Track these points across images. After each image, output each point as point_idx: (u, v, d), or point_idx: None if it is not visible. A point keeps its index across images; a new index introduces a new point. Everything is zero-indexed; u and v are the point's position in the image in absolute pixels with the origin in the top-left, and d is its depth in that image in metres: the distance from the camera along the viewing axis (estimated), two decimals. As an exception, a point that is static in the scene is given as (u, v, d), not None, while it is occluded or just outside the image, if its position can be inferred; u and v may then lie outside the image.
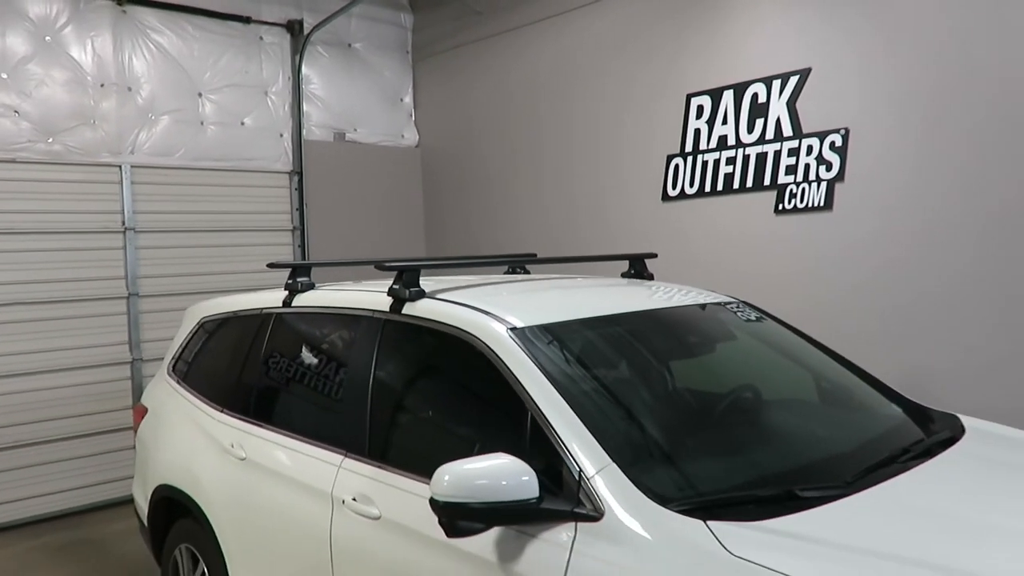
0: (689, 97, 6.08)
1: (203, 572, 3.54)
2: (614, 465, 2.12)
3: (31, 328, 6.03)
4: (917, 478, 2.28)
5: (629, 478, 2.09)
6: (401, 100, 8.31)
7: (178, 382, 3.94)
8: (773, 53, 5.59)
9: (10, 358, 5.94)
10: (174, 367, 4.06)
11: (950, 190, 4.82)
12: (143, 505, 3.99)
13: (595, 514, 2.06)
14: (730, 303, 3.38)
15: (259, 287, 4.38)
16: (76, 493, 6.22)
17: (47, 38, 6.11)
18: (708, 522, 1.94)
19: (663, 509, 2.01)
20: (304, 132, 7.50)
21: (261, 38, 7.27)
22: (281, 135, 7.39)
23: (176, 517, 3.77)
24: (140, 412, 4.19)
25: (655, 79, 6.28)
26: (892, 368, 4.38)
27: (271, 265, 3.62)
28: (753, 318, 3.34)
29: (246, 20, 7.12)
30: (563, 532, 2.10)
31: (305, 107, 7.53)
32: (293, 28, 7.39)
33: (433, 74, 8.22)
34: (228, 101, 7.05)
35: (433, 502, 2.11)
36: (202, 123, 6.91)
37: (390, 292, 2.90)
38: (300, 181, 7.45)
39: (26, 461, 5.99)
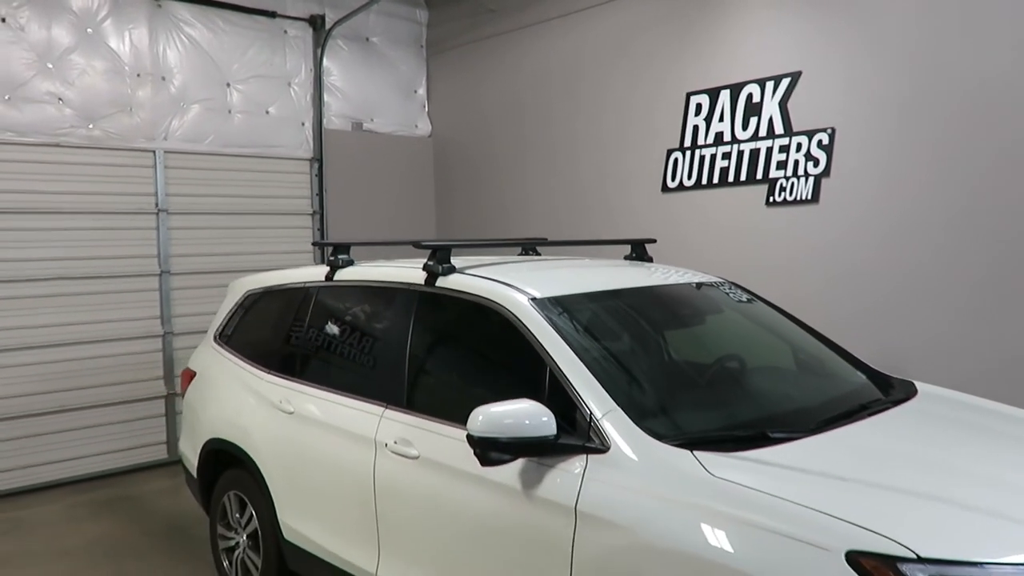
0: (689, 95, 6.52)
1: (251, 514, 4.00)
2: (619, 409, 2.58)
3: (72, 302, 6.47)
4: (869, 426, 2.74)
5: (631, 419, 2.55)
6: (415, 92, 8.74)
7: (225, 348, 4.39)
8: (767, 57, 6.03)
9: (52, 329, 6.38)
10: (220, 335, 4.51)
11: (923, 186, 5.27)
12: (192, 459, 4.44)
13: (603, 448, 2.53)
14: (720, 283, 3.84)
15: (284, 266, 4.80)
16: (113, 456, 6.68)
17: (88, 30, 6.53)
18: (694, 451, 2.40)
19: (658, 442, 2.47)
20: (324, 121, 7.93)
21: (285, 32, 7.68)
22: (303, 124, 7.82)
23: (224, 468, 4.23)
24: (188, 376, 4.64)
25: (657, 78, 6.72)
26: (870, 348, 4.84)
27: (315, 243, 4.07)
28: (741, 297, 3.80)
29: (272, 15, 7.53)
30: (576, 463, 2.56)
31: (325, 98, 7.95)
32: (315, 23, 7.81)
33: (446, 68, 8.64)
34: (254, 91, 7.47)
35: (469, 437, 2.57)
36: (230, 111, 7.33)
37: (425, 267, 3.35)
38: (320, 168, 7.89)
39: (68, 425, 6.44)
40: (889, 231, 5.43)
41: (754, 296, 3.88)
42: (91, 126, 6.54)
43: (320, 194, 7.89)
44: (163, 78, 6.93)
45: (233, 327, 4.46)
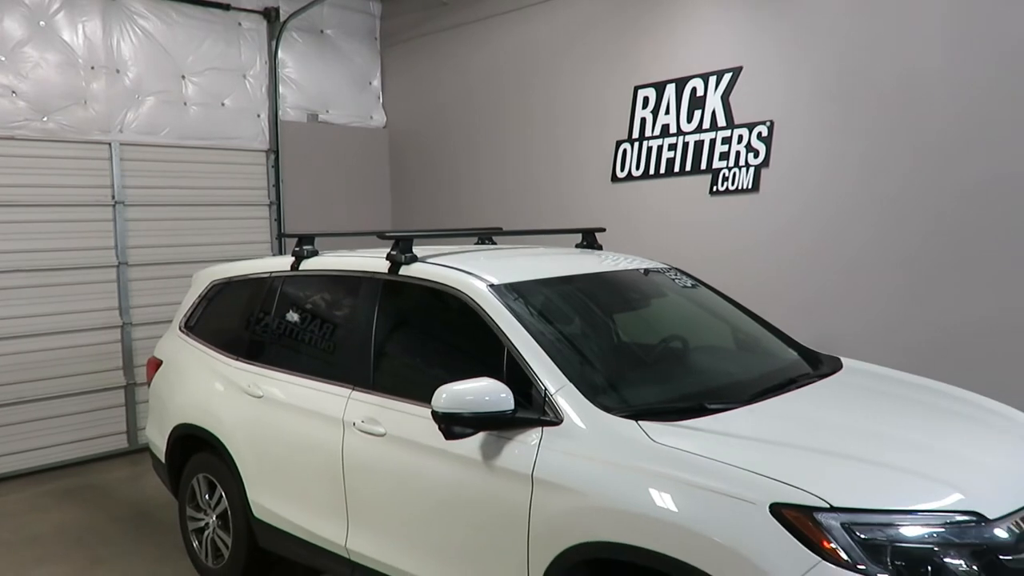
0: (636, 89, 6.78)
1: (220, 496, 4.17)
2: (571, 384, 2.82)
3: (29, 294, 6.49)
4: (796, 396, 3.03)
5: (582, 393, 2.79)
6: (370, 84, 8.86)
7: (192, 337, 4.53)
8: (710, 52, 6.32)
9: (10, 321, 6.41)
10: (186, 324, 4.64)
11: (857, 176, 5.61)
12: (160, 444, 4.57)
13: (556, 420, 2.76)
14: (666, 269, 4.10)
15: (242, 257, 4.92)
16: (74, 446, 6.73)
17: (41, 23, 6.53)
18: (639, 422, 2.65)
19: (606, 414, 2.72)
20: (280, 113, 8.02)
21: (240, 24, 7.74)
22: (259, 116, 7.90)
23: (192, 452, 4.38)
24: (154, 364, 4.76)
25: (606, 71, 6.97)
26: (810, 329, 5.17)
27: (282, 235, 4.23)
28: (685, 282, 4.07)
29: (226, 7, 7.59)
30: (532, 435, 2.79)
31: (281, 90, 8.04)
32: (270, 15, 7.88)
33: (400, 60, 8.78)
34: (209, 83, 7.53)
35: (434, 413, 2.78)
36: (185, 104, 7.39)
37: (388, 257, 3.55)
38: (276, 159, 7.98)
39: (27, 416, 6.48)
40: (826, 218, 5.77)
41: (697, 281, 4.15)
42: (45, 119, 6.56)
43: (277, 185, 7.98)
44: (117, 71, 6.96)
45: (199, 316, 4.59)
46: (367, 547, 3.34)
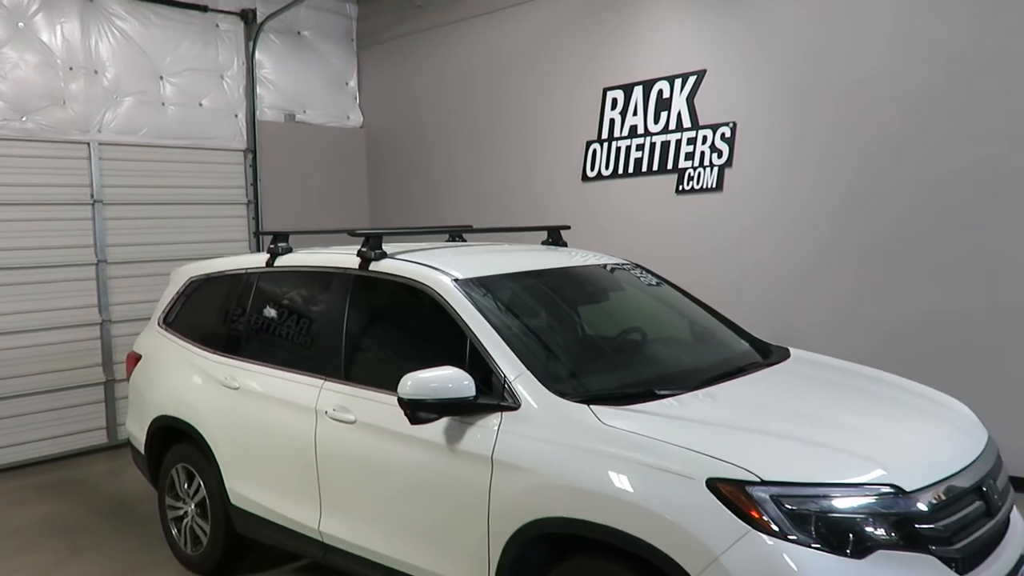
0: (605, 91, 6.99)
1: (199, 485, 4.31)
2: (528, 372, 3.00)
3: (9, 291, 6.58)
4: (742, 383, 3.23)
5: (539, 381, 2.97)
6: (346, 84, 9.01)
7: (170, 332, 4.67)
8: (676, 56, 6.53)
9: (-8, 318, 6.51)
10: (164, 320, 4.78)
11: (815, 176, 5.85)
12: (140, 436, 4.71)
13: (515, 406, 2.95)
14: (630, 266, 4.30)
15: (220, 254, 5.03)
16: (54, 441, 6.83)
17: (20, 24, 6.63)
18: (591, 406, 2.84)
19: (561, 399, 2.90)
20: (257, 113, 8.15)
21: (217, 25, 7.87)
22: (236, 116, 8.03)
23: (171, 444, 4.52)
24: (133, 359, 4.89)
25: (576, 73, 7.16)
26: (769, 324, 5.39)
27: (258, 232, 4.38)
28: (647, 279, 4.26)
29: (203, 8, 7.71)
30: (492, 420, 2.97)
31: (258, 90, 8.17)
32: (247, 16, 8.00)
33: (376, 61, 8.93)
34: (187, 84, 7.65)
35: (400, 400, 2.96)
36: (163, 104, 7.50)
37: (359, 253, 3.71)
38: (254, 158, 8.11)
39: (7, 412, 6.58)
40: (786, 216, 6.00)
41: (659, 277, 4.35)
42: (24, 119, 6.65)
43: (255, 184, 8.11)
44: (96, 71, 7.06)
45: (177, 312, 4.73)
46: (339, 529, 3.51)
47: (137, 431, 4.76)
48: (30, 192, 6.68)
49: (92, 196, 7.04)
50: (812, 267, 5.88)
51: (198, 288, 4.70)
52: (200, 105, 7.75)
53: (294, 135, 8.47)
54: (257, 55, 8.12)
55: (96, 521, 5.30)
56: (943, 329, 5.33)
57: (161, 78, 7.48)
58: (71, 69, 6.91)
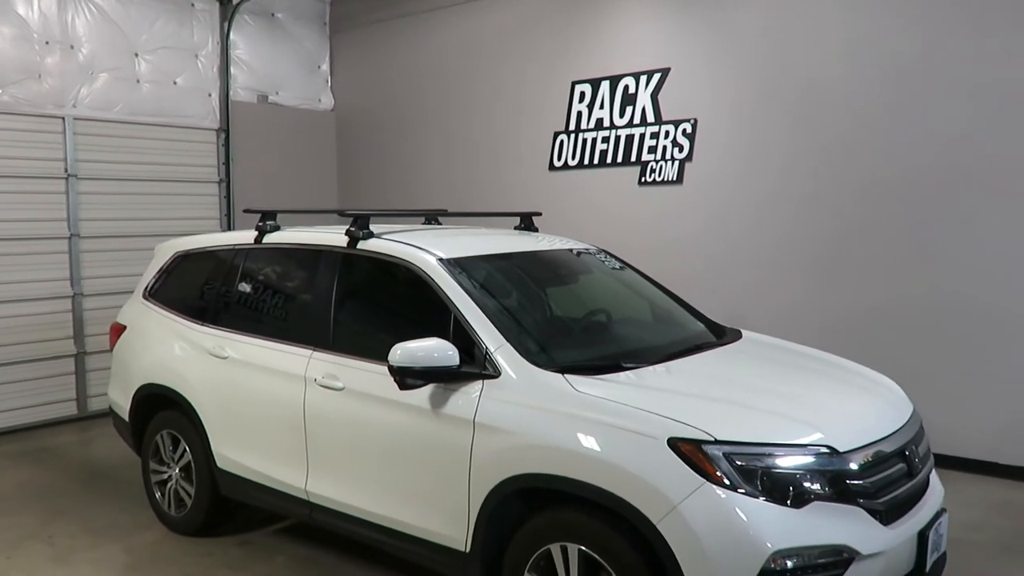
0: (574, 84, 7.29)
1: (184, 450, 4.53)
2: (508, 344, 3.30)
3: (-20, 263, 6.66)
4: (698, 359, 3.58)
5: (517, 352, 3.27)
6: (319, 68, 9.16)
7: (156, 304, 4.85)
8: (642, 53, 6.86)
9: (-38, 289, 6.57)
10: (150, 292, 4.95)
11: (770, 172, 6.24)
12: (124, 404, 4.88)
13: (495, 374, 3.24)
14: (596, 251, 4.61)
15: (192, 232, 5.19)
16: (23, 412, 6.92)
17: (-4, -4, 6.67)
18: (565, 375, 3.15)
19: (538, 369, 3.20)
20: (231, 93, 8.27)
21: (193, 5, 7.97)
22: (210, 95, 8.14)
23: (156, 411, 4.72)
24: (117, 330, 5.06)
25: (546, 66, 7.45)
26: (725, 311, 5.72)
27: (246, 210, 4.60)
28: (612, 263, 4.58)
29: (179, -12, 7.80)
30: (474, 387, 3.26)
31: (232, 70, 8.29)
32: (222, -3, 8.11)
33: (349, 46, 9.09)
34: (162, 62, 7.74)
35: (390, 367, 3.23)
36: (138, 81, 7.59)
37: (347, 232, 3.96)
38: (227, 138, 8.23)
39: (-24, 382, 6.67)
40: (742, 210, 6.39)
41: (623, 262, 4.67)
42: (0, 91, 6.70)
43: (227, 163, 8.24)
44: (72, 46, 7.12)
45: (162, 285, 4.91)
46: (326, 489, 3.77)
47: (121, 399, 4.94)
48: (4, 165, 6.73)
49: (66, 170, 7.12)
50: (767, 259, 6.28)
51: (184, 262, 4.89)
52: (174, 83, 7.85)
53: (266, 116, 8.61)
54: (232, 36, 8.23)
55: (74, 487, 5.46)
56: (884, 318, 5.76)
57: (136, 55, 7.56)
58: (47, 43, 6.96)
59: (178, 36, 7.85)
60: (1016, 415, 5.35)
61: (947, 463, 5.48)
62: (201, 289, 4.65)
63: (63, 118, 7.09)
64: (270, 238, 4.40)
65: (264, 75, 8.61)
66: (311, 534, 4.55)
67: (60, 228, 7.12)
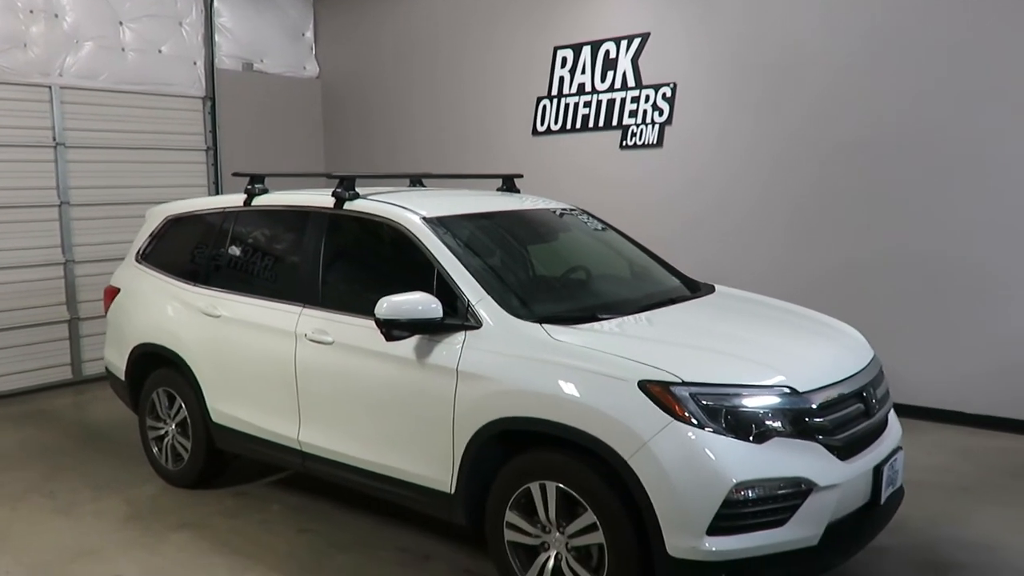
0: (556, 49, 7.39)
1: (180, 406, 4.70)
2: (489, 297, 3.46)
3: (-29, 231, 6.76)
4: (671, 310, 3.75)
5: (497, 304, 3.44)
6: (303, 35, 9.21)
7: (149, 267, 4.99)
8: (622, 18, 6.96)
9: (-46, 257, 6.68)
10: (142, 255, 5.09)
11: (748, 134, 6.38)
12: (120, 364, 5.04)
13: (477, 325, 3.41)
14: (577, 211, 4.76)
15: (181, 199, 5.27)
16: (19, 376, 7.08)
17: (-20, -35, 6.69)
18: (543, 325, 3.32)
19: (517, 319, 3.37)
20: (216, 61, 8.33)
21: (176, -27, 7.99)
22: (195, 63, 8.19)
23: (151, 369, 4.87)
24: (111, 292, 5.20)
25: (530, 31, 7.54)
26: (706, 270, 5.91)
27: (235, 174, 4.73)
28: (593, 223, 4.73)
29: (162, -45, 7.81)
30: (457, 338, 3.43)
31: (216, 38, 8.34)
32: (205, -36, 8.13)
33: (333, 13, 9.13)
34: (146, 29, 7.78)
35: (377, 320, 3.40)
36: (123, 49, 7.64)
37: (334, 194, 4.10)
38: (213, 106, 8.30)
39: (-29, 348, 6.80)
40: (721, 172, 6.55)
41: (603, 222, 4.83)
42: (-15, 60, 6.76)
43: (214, 131, 8.32)
44: (56, 15, 7.16)
45: (154, 248, 5.04)
46: (317, 438, 3.96)
47: (117, 360, 5.09)
48: (-8, 133, 6.82)
49: (54, 139, 7.19)
50: (745, 218, 6.45)
51: (175, 226, 5.02)
52: (159, 52, 7.90)
53: (251, 84, 8.67)
54: (215, 3, 8.27)
55: (73, 445, 5.63)
56: (858, 274, 5.96)
57: (120, 24, 7.60)
58: (31, 12, 7.00)
59: (161, 4, 7.88)
60: (982, 366, 5.58)
61: (918, 413, 5.74)
62: (192, 251, 4.78)
63: (49, 87, 7.15)
64: (258, 201, 4.53)
65: (248, 43, 8.66)
66: (304, 484, 4.75)
67: (50, 196, 7.21)
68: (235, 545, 4.04)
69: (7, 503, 4.62)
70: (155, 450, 4.90)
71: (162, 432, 4.85)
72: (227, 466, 4.76)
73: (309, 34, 9.25)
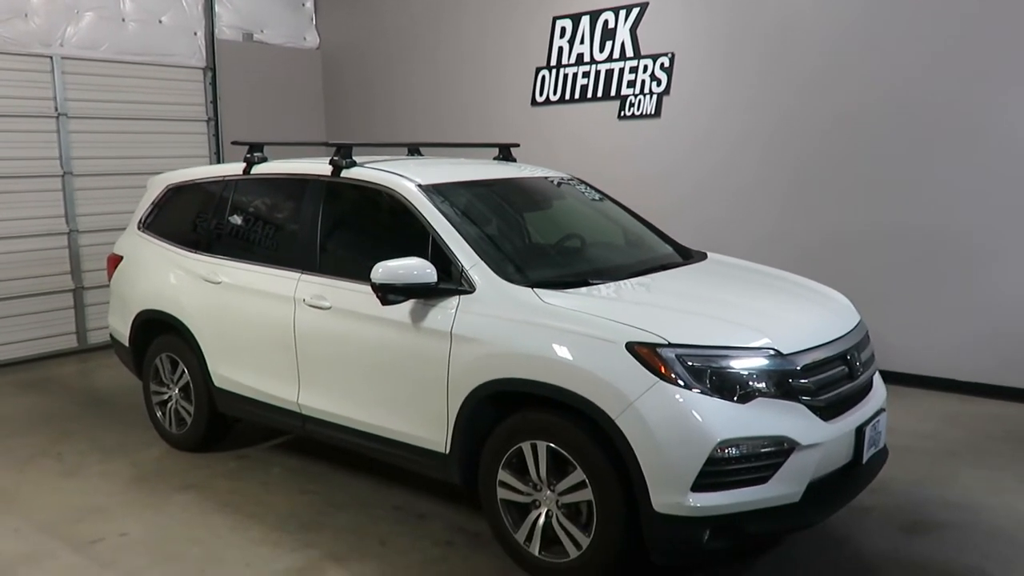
0: (555, 19, 7.39)
1: (182, 371, 4.80)
2: (482, 262, 3.53)
3: (-24, 201, 6.83)
4: (662, 276, 3.83)
5: (490, 269, 3.51)
6: (303, 5, 9.21)
7: (150, 235, 5.06)
8: (620, -13, 6.95)
9: (-41, 227, 6.76)
10: (144, 223, 5.16)
11: (745, 105, 6.41)
12: (123, 331, 5.13)
13: (470, 289, 3.48)
14: (573, 181, 4.82)
15: (182, 167, 5.33)
16: (25, 344, 7.19)
17: (-21, -66, 6.70)
18: (535, 289, 3.40)
19: (510, 284, 3.45)
20: (216, 32, 8.34)
21: (175, -58, 7.98)
22: (195, 33, 8.21)
23: (155, 336, 4.97)
24: (114, 260, 5.28)
25: (529, 2, 7.54)
26: (698, 237, 5.95)
27: (234, 142, 4.78)
28: (589, 192, 4.79)
29: (162, -76, 7.80)
30: (451, 302, 3.51)
31: (216, 8, 8.34)
32: (205, -67, 8.12)
33: (333, -17, 9.12)
34: (146, 0, 7.78)
35: (373, 284, 3.48)
36: (123, 20, 7.66)
37: (331, 162, 4.16)
38: (214, 76, 8.33)
39: (-22, 316, 6.91)
40: (718, 142, 6.58)
41: (599, 191, 4.88)
42: (-13, 31, 6.79)
43: (214, 102, 8.35)
44: (56, -16, 7.18)
45: (156, 216, 5.12)
46: (316, 401, 4.05)
47: (120, 326, 5.19)
48: (-5, 104, 6.87)
49: (56, 109, 7.24)
50: (742, 188, 6.50)
51: (176, 194, 5.08)
52: (160, 22, 7.92)
53: (252, 54, 8.69)
54: (215, -27, 8.26)
55: (80, 411, 5.75)
56: (852, 244, 6.02)
57: (120, -7, 7.61)
58: (32, -19, 7.02)
59: (161, -27, 7.88)
60: (972, 334, 5.65)
61: (909, 380, 5.82)
62: (194, 219, 4.86)
63: (51, 57, 7.19)
64: (258, 169, 4.59)
65: (248, 13, 8.67)
66: (304, 448, 4.86)
67: (53, 166, 7.28)
68: (237, 505, 4.16)
69: (15, 466, 4.74)
70: (159, 414, 5.01)
71: (166, 397, 4.96)
72: (229, 430, 4.88)
73: (309, 5, 9.24)
